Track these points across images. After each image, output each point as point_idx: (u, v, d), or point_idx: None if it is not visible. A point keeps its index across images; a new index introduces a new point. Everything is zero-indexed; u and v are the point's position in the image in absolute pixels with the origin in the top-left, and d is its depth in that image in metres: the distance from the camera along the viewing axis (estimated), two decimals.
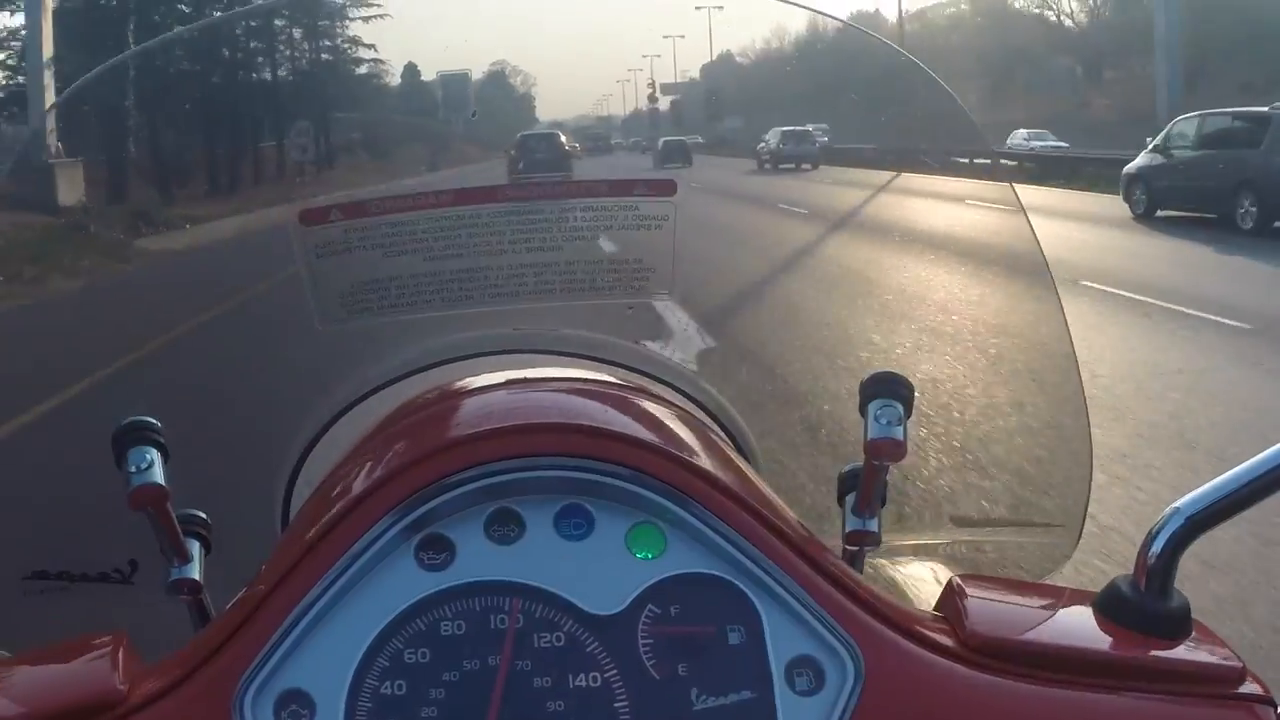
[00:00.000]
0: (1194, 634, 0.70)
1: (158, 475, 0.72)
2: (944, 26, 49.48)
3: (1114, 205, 16.16)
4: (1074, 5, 47.66)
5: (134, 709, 0.64)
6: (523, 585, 0.66)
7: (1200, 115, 15.34)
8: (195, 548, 0.80)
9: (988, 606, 0.71)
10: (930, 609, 0.74)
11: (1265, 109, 13.90)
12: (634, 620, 0.65)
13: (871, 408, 0.73)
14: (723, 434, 0.98)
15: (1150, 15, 33.40)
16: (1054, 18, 48.46)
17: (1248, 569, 3.62)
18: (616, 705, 0.63)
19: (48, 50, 19.24)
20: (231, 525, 0.88)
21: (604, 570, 0.67)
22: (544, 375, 0.90)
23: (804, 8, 1.14)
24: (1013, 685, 0.65)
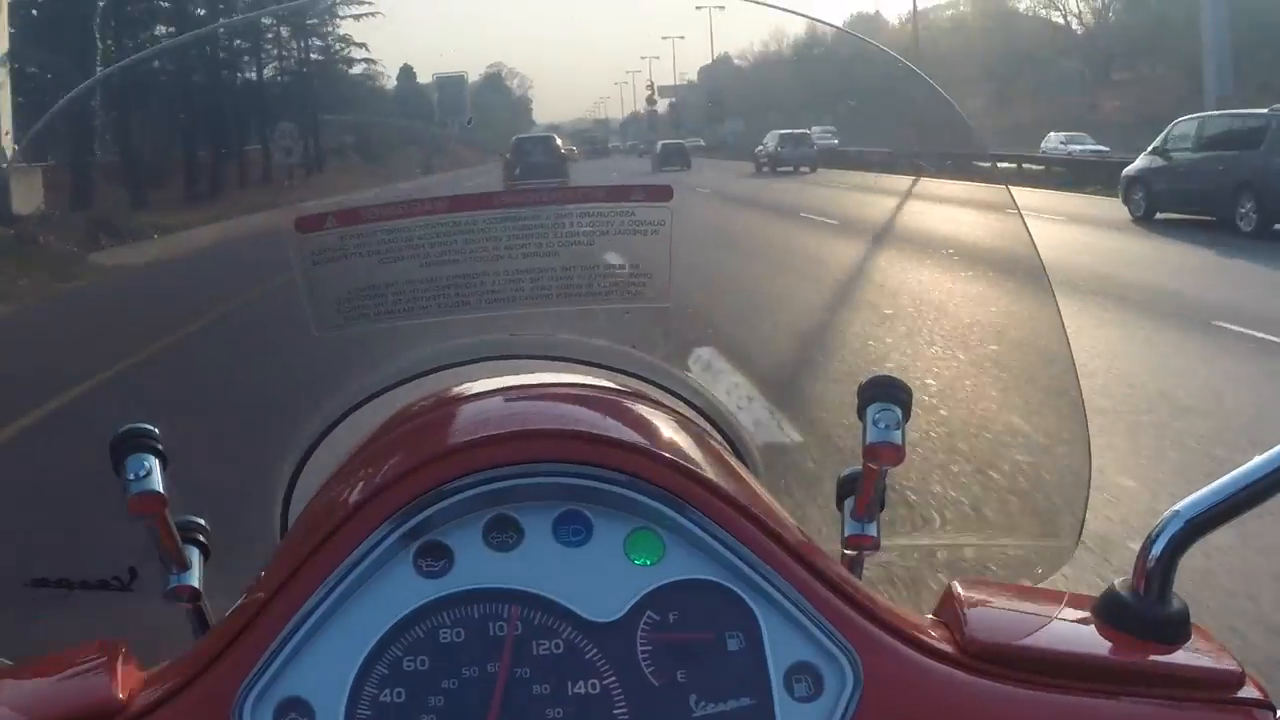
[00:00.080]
0: (1193, 638, 0.70)
1: (156, 482, 0.72)
2: (945, 29, 49.42)
3: (1113, 208, 16.15)
4: (1081, 6, 47.68)
5: (134, 717, 0.64)
6: (521, 592, 0.66)
7: (1200, 117, 15.31)
8: (194, 555, 0.80)
9: (986, 611, 0.71)
10: (928, 614, 0.74)
11: (1264, 110, 13.90)
12: (633, 627, 0.65)
13: (870, 412, 0.73)
14: (721, 439, 0.98)
15: (1159, 17, 33.01)
16: (1060, 19, 48.49)
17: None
18: (615, 712, 0.63)
19: (3, 45, 16.95)
20: (230, 532, 0.88)
21: (602, 577, 0.67)
22: (541, 381, 0.90)
23: (801, 15, 1.14)
24: (1011, 690, 0.65)
